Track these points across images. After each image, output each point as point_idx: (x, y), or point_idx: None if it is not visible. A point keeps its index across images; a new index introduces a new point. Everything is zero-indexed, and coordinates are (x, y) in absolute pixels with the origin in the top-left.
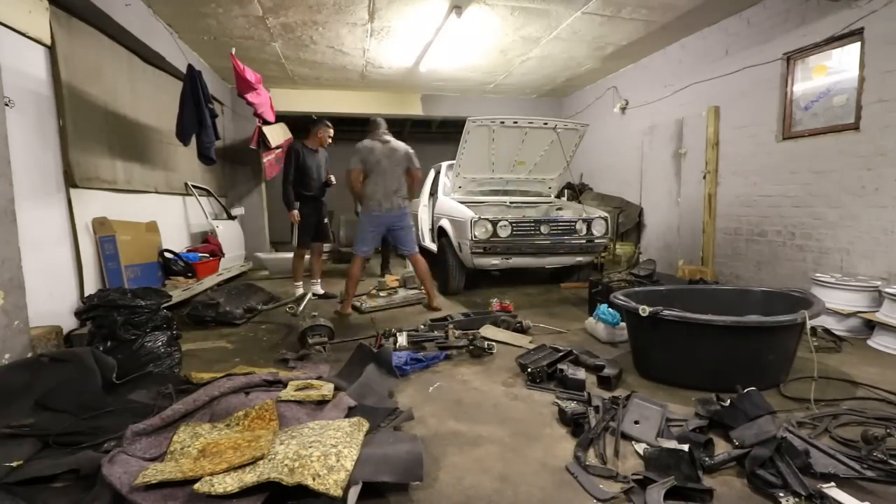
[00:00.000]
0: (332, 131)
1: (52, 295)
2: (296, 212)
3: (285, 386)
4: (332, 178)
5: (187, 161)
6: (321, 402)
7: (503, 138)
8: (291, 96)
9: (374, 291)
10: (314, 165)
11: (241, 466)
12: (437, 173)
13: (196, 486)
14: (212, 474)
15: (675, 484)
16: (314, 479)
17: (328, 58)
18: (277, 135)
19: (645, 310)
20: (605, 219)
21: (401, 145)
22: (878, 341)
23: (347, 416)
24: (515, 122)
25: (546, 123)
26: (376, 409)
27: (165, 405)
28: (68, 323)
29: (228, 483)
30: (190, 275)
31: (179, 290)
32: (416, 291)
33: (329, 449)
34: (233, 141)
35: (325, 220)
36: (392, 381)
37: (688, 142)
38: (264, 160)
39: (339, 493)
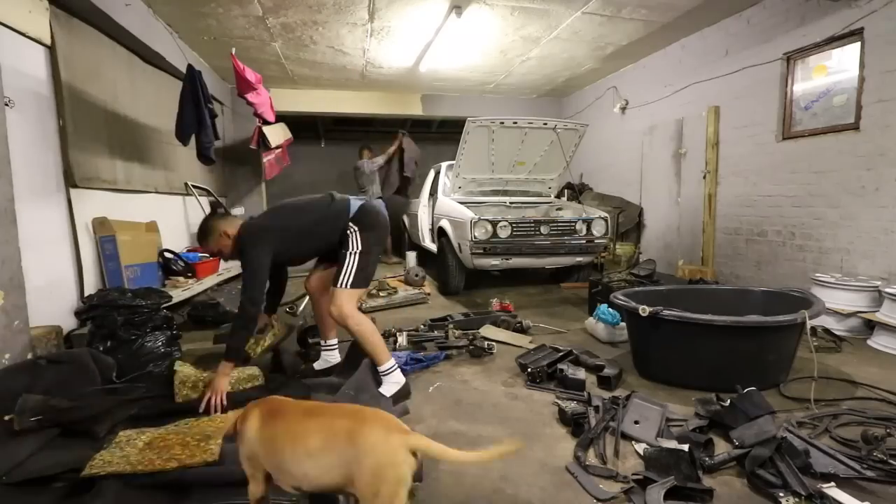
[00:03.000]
0: None
1: (52, 295)
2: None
3: None
4: None
5: (187, 161)
6: None
7: (503, 138)
8: (291, 96)
9: (374, 291)
10: None
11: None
12: (437, 173)
13: None
14: (162, 471)
15: (675, 484)
16: None
17: (328, 58)
18: (277, 135)
19: (645, 310)
20: (605, 219)
21: None
22: (878, 341)
23: None
24: (515, 123)
25: (546, 123)
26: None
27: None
28: (68, 323)
29: None
30: (190, 275)
31: (179, 290)
32: (417, 291)
33: None
34: (233, 141)
35: None
36: None
37: (688, 142)
38: (264, 160)
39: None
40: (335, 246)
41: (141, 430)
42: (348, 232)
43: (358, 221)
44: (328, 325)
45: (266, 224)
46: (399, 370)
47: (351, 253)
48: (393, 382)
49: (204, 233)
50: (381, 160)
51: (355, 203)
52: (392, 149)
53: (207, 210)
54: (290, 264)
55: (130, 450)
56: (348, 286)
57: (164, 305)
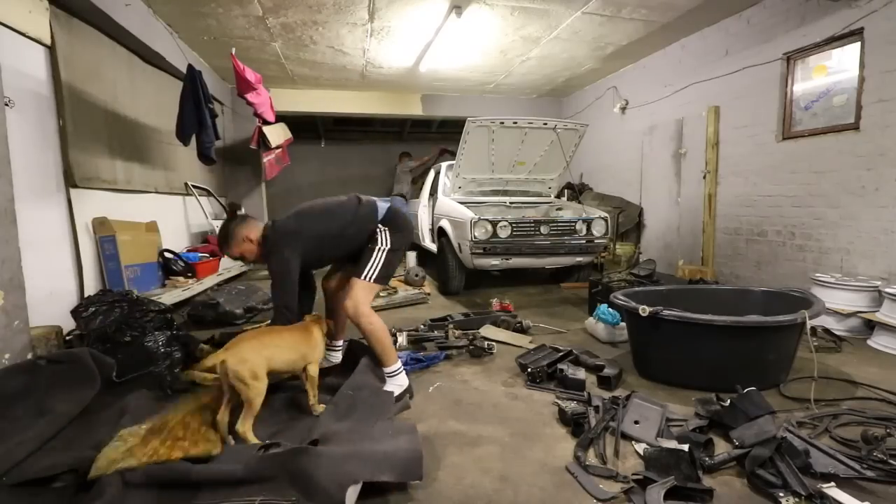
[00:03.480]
0: None
1: (52, 295)
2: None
3: None
4: None
5: (187, 161)
6: None
7: (503, 138)
8: (291, 96)
9: None
10: None
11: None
12: (437, 173)
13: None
14: (167, 460)
15: (675, 484)
16: None
17: (328, 58)
18: (277, 135)
19: (645, 310)
20: (605, 219)
21: None
22: (878, 341)
23: (338, 406)
24: (515, 123)
25: (546, 123)
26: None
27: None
28: (68, 323)
29: None
30: (190, 275)
31: (179, 290)
32: (417, 291)
33: None
34: (233, 141)
35: None
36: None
37: (688, 142)
38: (264, 160)
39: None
40: (362, 247)
41: (141, 426)
42: (377, 230)
43: (389, 222)
44: (339, 326)
45: (295, 228)
46: (404, 373)
47: (379, 249)
48: (397, 385)
49: (225, 238)
50: (413, 164)
51: (383, 205)
52: (427, 157)
53: (208, 210)
54: (315, 267)
55: (133, 439)
56: (371, 279)
57: (163, 310)
